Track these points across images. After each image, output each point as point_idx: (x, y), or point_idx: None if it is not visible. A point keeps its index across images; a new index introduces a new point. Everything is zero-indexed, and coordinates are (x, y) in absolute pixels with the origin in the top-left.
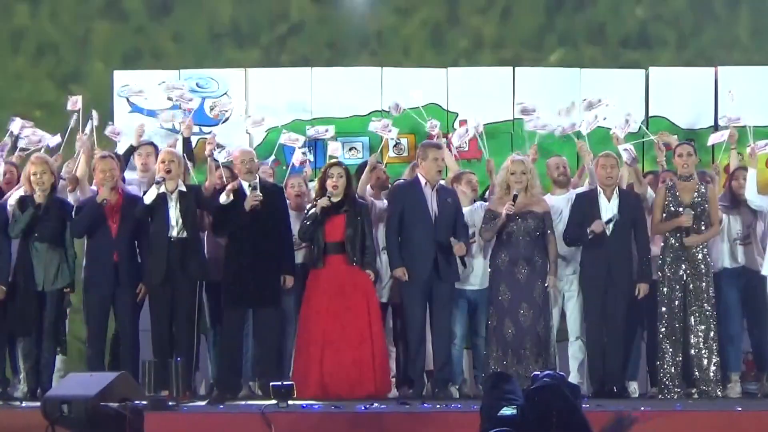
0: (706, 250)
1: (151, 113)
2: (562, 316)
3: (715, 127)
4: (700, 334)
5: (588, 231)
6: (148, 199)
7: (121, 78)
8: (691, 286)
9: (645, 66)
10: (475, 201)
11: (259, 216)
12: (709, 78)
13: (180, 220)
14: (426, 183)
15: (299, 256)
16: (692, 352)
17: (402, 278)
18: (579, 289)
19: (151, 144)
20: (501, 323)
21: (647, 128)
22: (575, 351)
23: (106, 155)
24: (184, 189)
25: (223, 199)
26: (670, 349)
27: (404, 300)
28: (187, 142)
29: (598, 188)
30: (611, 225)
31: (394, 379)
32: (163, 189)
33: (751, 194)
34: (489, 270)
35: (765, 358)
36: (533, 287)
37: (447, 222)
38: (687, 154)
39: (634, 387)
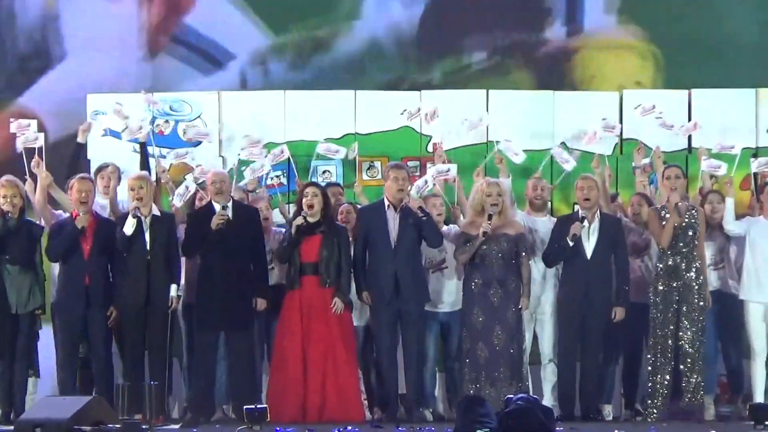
0: (700, 274)
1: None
2: (535, 338)
3: (689, 150)
4: (690, 357)
5: (569, 237)
6: (128, 229)
7: (95, 101)
8: (683, 309)
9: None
10: (446, 223)
11: (232, 238)
12: (683, 101)
13: (154, 245)
14: (389, 205)
15: (271, 278)
16: (681, 373)
17: (366, 302)
18: (552, 312)
19: (114, 165)
20: (474, 346)
21: (621, 152)
22: (548, 374)
23: (86, 177)
24: (158, 214)
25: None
26: (659, 371)
27: (372, 323)
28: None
29: (580, 212)
30: (585, 222)
31: (366, 402)
32: (138, 214)
33: (730, 224)
34: (462, 293)
35: (740, 381)
36: (507, 310)
37: (408, 244)
38: (675, 177)
39: (608, 410)
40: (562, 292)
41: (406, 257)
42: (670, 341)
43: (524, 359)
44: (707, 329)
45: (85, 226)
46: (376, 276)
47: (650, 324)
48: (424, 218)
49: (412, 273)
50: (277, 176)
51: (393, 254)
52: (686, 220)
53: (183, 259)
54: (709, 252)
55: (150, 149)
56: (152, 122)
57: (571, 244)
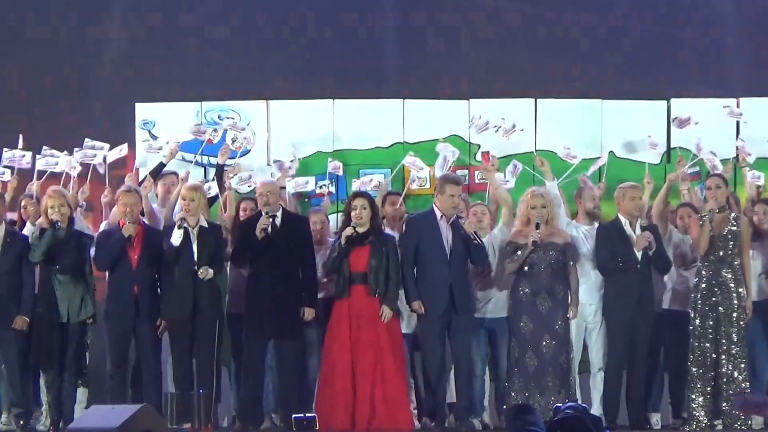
0: (741, 284)
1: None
2: (584, 347)
3: (736, 158)
4: (729, 366)
5: (637, 248)
6: (176, 240)
7: (143, 110)
8: (723, 318)
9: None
10: (492, 229)
11: (281, 247)
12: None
13: (201, 256)
14: (441, 216)
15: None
16: (721, 383)
17: (419, 311)
18: (602, 321)
19: (175, 174)
20: (523, 355)
21: (668, 160)
22: (598, 382)
23: (131, 189)
24: (206, 225)
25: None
26: (700, 381)
27: (422, 332)
28: (219, 169)
29: (622, 219)
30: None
31: (416, 411)
32: (185, 225)
33: None
34: (510, 302)
35: None
36: (555, 319)
37: (462, 255)
38: (716, 186)
39: (656, 419)
40: (609, 301)
41: (459, 269)
42: (709, 352)
43: (572, 368)
44: (759, 338)
45: (132, 234)
46: (430, 286)
47: (690, 335)
48: (477, 242)
49: (464, 284)
50: (324, 185)
51: (448, 266)
52: (728, 228)
53: (229, 270)
54: (760, 261)
55: (199, 158)
56: (202, 132)
57: (638, 253)
